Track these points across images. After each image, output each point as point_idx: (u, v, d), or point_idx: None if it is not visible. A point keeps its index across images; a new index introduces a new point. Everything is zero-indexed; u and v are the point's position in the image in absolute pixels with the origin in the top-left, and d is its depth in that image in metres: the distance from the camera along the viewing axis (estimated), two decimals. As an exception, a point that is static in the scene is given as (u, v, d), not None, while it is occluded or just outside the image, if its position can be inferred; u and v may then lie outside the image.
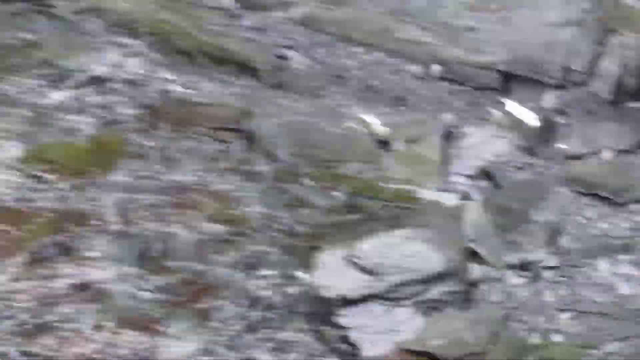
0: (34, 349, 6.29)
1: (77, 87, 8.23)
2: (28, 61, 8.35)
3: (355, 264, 6.69)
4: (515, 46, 8.61)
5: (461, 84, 8.66)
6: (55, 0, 8.92)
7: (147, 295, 6.63)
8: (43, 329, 6.35)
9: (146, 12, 8.85)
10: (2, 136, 7.57)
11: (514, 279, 7.14)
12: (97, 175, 7.34)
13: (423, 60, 8.76)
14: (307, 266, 6.83)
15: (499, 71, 8.57)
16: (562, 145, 8.25)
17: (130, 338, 6.37)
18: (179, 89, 8.30)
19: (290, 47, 8.90)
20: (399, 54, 8.86)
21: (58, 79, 8.21)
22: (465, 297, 6.89)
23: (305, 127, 8.04)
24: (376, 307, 6.61)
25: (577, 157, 8.28)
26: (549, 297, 7.12)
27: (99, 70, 8.41)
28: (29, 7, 8.87)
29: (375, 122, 8.14)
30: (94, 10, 8.83)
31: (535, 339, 6.82)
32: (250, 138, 7.81)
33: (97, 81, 8.26)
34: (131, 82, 8.27)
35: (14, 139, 7.58)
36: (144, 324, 6.46)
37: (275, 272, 6.89)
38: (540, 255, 7.30)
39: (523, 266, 7.21)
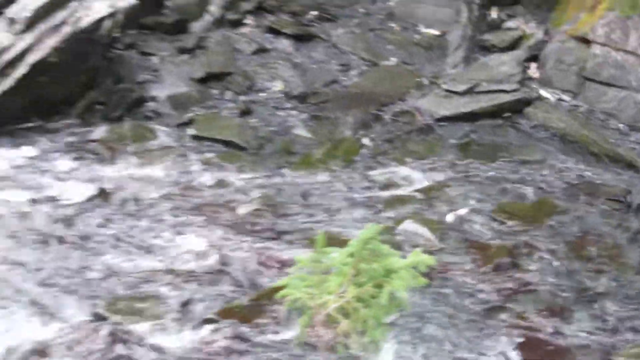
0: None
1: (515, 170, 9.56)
2: (495, 155, 9.96)
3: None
4: None
5: None
6: (514, 118, 10.60)
7: (557, 293, 7.52)
8: (497, 309, 7.30)
9: (573, 128, 10.44)
10: (471, 197, 9.00)
11: None
12: (536, 223, 8.69)
13: None
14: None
15: None
16: None
17: (545, 321, 7.25)
18: (589, 175, 9.82)
19: (658, 154, 9.89)
20: None
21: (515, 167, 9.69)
22: None
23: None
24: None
25: None
26: None
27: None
28: (505, 122, 10.64)
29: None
30: (542, 126, 10.56)
31: None
32: (628, 206, 9.11)
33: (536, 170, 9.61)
34: (557, 170, 9.77)
35: (481, 199, 8.99)
36: (556, 312, 7.38)
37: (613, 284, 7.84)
38: None
39: None
